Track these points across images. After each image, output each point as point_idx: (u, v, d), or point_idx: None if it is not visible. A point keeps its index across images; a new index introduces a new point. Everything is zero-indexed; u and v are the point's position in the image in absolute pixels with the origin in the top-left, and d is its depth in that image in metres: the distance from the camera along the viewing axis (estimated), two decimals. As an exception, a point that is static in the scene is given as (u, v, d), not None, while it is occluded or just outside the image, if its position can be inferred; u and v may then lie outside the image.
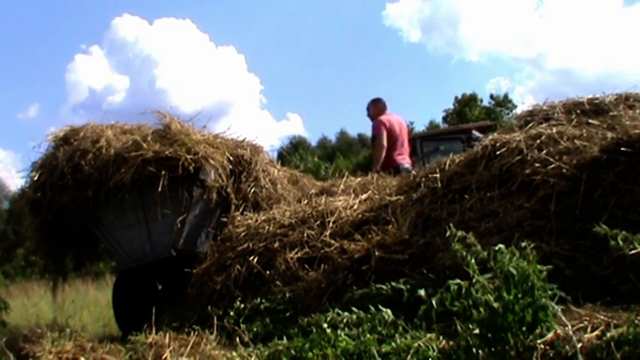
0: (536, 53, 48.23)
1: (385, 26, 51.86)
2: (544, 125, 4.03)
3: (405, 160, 6.26)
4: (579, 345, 1.84)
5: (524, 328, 1.87)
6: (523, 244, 2.01)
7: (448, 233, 2.16)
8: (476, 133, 7.90)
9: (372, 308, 2.70)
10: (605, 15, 45.49)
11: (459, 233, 2.09)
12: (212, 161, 4.82)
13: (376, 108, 6.50)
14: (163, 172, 4.61)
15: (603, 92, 4.37)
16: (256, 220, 4.66)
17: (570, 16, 46.82)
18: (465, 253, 2.04)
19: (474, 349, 1.92)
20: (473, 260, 2.01)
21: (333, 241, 3.99)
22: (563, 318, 1.88)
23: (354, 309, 2.75)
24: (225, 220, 4.92)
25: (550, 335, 1.87)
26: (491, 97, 30.21)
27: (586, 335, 1.91)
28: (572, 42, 45.48)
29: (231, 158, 5.08)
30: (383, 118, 6.29)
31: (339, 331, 2.57)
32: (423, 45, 51.82)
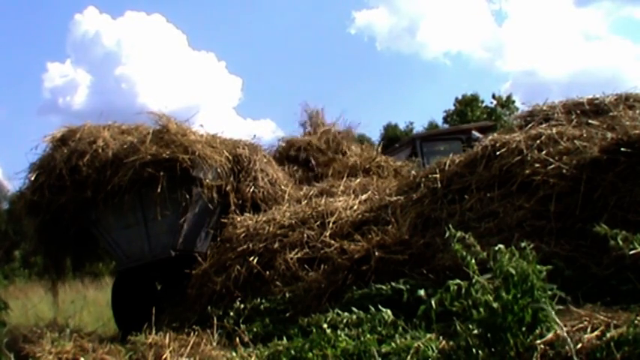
0: (497, 56, 48.04)
1: (352, 34, 51.63)
2: (544, 125, 4.03)
3: None
4: (579, 345, 1.83)
5: (523, 329, 1.87)
6: (523, 245, 2.01)
7: (448, 234, 2.16)
8: (476, 134, 7.88)
9: (372, 308, 2.71)
10: (558, 16, 45.58)
11: (459, 234, 2.09)
12: (210, 160, 4.82)
13: None
14: (162, 174, 4.61)
15: (603, 92, 4.37)
16: (256, 221, 4.66)
17: (525, 18, 46.67)
18: (464, 254, 2.03)
19: (474, 350, 1.92)
20: (473, 260, 2.00)
21: (333, 242, 3.99)
22: (557, 320, 1.87)
23: (354, 309, 2.75)
24: (224, 220, 4.92)
25: (550, 335, 1.87)
26: (493, 96, 30.07)
27: (586, 335, 1.90)
28: (529, 44, 45.44)
29: (229, 157, 5.08)
30: None
31: (339, 332, 2.57)
32: (395, 50, 51.48)
